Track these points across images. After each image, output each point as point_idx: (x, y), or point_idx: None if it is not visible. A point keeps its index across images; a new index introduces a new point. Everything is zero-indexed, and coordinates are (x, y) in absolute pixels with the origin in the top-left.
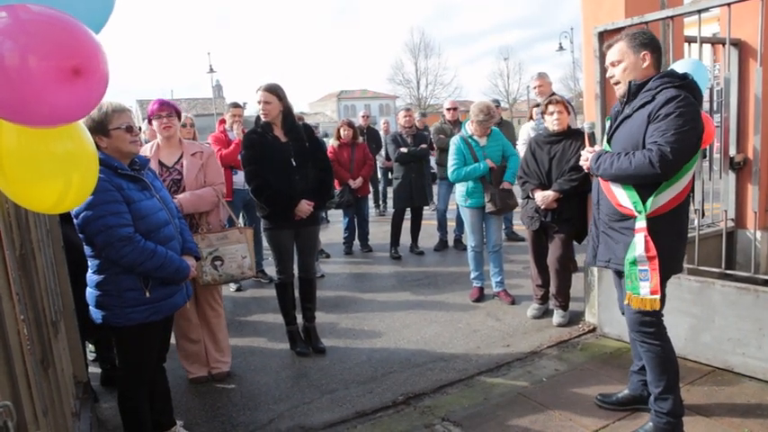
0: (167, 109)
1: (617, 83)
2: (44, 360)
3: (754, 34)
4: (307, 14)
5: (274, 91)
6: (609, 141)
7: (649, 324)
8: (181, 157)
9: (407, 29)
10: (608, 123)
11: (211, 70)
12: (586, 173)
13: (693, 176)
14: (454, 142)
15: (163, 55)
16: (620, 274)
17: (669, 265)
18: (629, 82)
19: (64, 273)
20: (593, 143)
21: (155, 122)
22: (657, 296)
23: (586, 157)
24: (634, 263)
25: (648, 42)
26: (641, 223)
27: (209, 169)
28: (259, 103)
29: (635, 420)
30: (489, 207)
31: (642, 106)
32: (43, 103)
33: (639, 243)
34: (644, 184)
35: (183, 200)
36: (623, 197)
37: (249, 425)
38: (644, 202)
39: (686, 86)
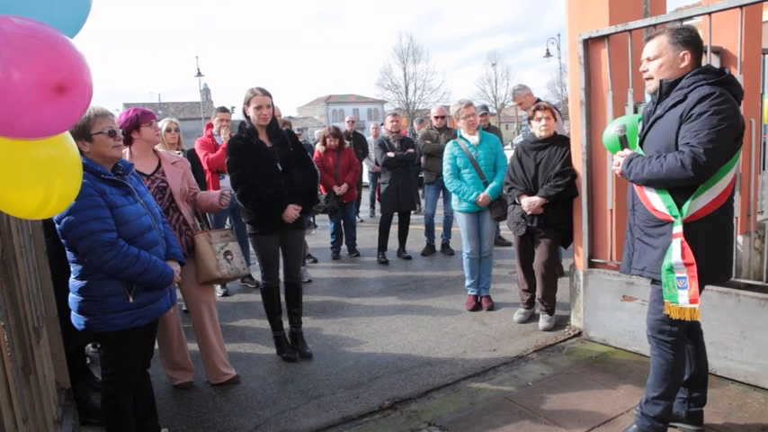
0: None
1: (650, 78)
2: (25, 367)
3: (734, 42)
4: (296, 19)
5: (270, 95)
6: (641, 144)
7: (669, 333)
8: (159, 165)
9: (396, 33)
10: (639, 125)
11: (199, 74)
12: (572, 178)
13: (735, 177)
14: (448, 147)
15: (151, 58)
16: (655, 282)
17: (708, 272)
18: (661, 81)
19: (47, 278)
20: (624, 147)
21: None
22: (697, 305)
23: (618, 162)
24: (671, 270)
25: (691, 41)
26: (678, 228)
27: (191, 179)
28: (259, 108)
29: (618, 425)
30: (497, 212)
31: (674, 106)
32: (27, 117)
33: (676, 249)
34: (679, 188)
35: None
36: (657, 201)
37: (235, 431)
38: (680, 206)
39: (723, 83)
